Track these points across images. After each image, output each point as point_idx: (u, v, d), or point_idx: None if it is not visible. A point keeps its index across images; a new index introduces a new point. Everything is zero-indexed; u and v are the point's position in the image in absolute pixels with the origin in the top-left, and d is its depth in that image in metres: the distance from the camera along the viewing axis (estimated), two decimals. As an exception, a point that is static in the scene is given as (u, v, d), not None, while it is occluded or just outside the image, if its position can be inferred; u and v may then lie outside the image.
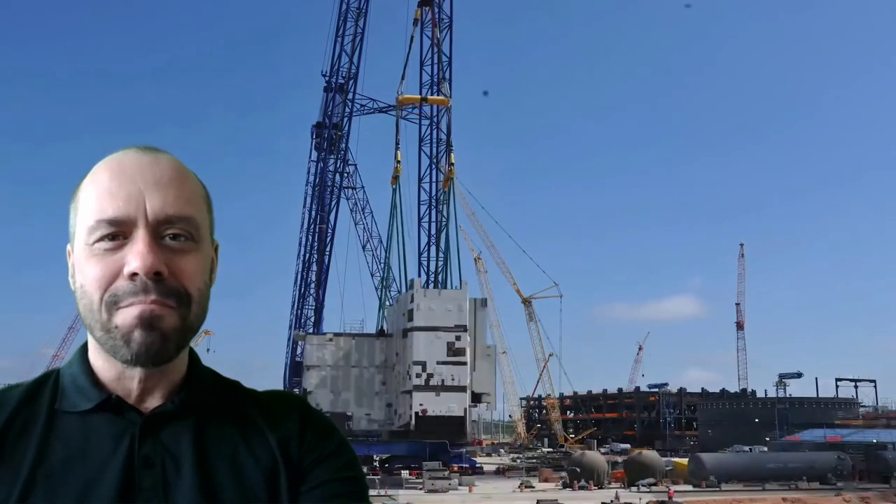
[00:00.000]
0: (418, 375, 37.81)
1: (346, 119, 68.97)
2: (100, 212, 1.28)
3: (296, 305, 79.39)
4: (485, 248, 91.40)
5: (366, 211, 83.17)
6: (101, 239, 1.28)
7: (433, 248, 47.01)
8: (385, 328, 41.25)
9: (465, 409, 38.66)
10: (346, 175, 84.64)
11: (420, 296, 38.24)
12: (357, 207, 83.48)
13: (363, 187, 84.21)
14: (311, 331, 79.91)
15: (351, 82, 68.70)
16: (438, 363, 37.98)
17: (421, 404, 37.89)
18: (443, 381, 38.00)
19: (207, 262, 1.36)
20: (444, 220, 45.09)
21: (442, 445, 72.26)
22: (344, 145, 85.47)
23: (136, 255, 1.25)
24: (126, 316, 1.25)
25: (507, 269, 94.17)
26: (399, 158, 48.06)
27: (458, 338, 38.29)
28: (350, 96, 68.57)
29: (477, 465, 70.62)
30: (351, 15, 68.37)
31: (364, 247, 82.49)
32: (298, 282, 78.95)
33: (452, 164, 47.01)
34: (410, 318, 38.10)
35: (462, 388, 38.56)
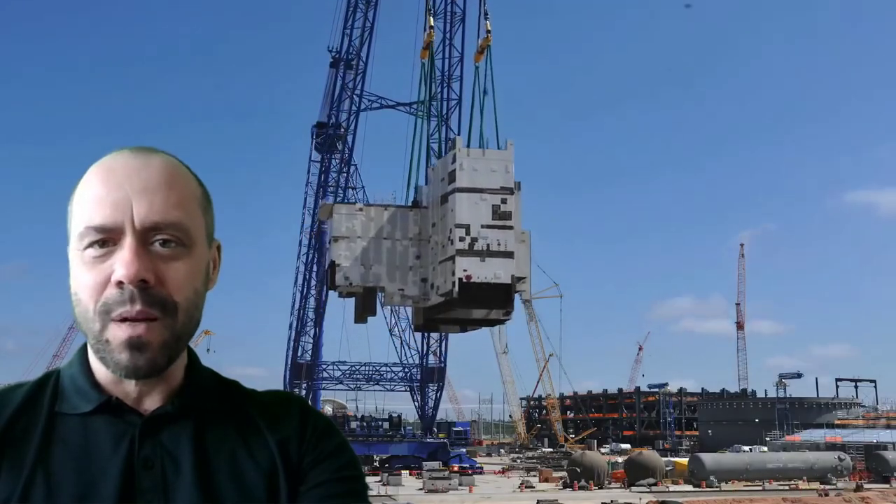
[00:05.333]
0: (461, 239, 34.99)
1: (353, 116, 67.58)
2: (88, 219, 1.29)
3: (296, 306, 78.72)
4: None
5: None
6: (90, 245, 1.28)
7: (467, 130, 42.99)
8: (419, 200, 39.05)
9: (513, 277, 35.60)
10: (347, 175, 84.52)
11: (462, 155, 35.79)
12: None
13: (363, 187, 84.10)
14: (311, 330, 79.47)
15: (359, 78, 67.17)
16: (483, 227, 35.40)
17: (465, 270, 34.79)
18: (488, 245, 35.27)
19: (201, 267, 1.36)
20: (481, 93, 41.63)
21: (442, 445, 72.19)
22: (343, 145, 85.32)
23: (122, 264, 1.26)
24: (115, 334, 1.26)
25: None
26: (432, 24, 43.62)
27: (504, 201, 35.77)
28: (358, 92, 67.11)
29: (477, 466, 70.75)
30: (360, 7, 66.66)
31: None
32: (300, 282, 77.89)
33: (489, 31, 41.67)
34: (452, 180, 35.59)
35: (509, 255, 35.56)
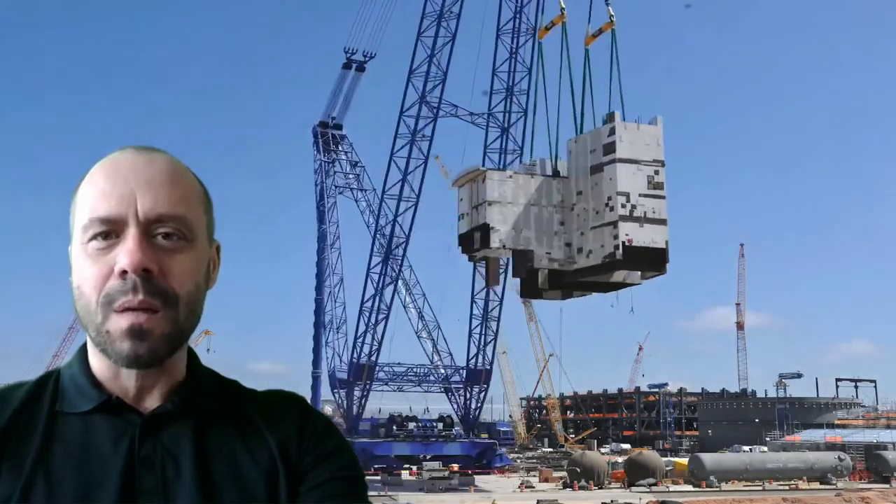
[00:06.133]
0: (623, 206, 37.60)
1: (432, 123, 66.84)
2: (93, 211, 1.30)
3: (368, 307, 73.63)
4: None
5: (378, 214, 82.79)
6: (94, 237, 1.29)
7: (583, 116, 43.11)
8: (559, 170, 41.27)
9: (666, 243, 38.39)
10: (353, 176, 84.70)
11: (621, 128, 38.39)
12: (368, 209, 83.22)
13: (374, 189, 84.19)
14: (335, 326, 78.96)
15: (438, 87, 66.04)
16: (640, 195, 38.05)
17: (627, 234, 37.44)
18: (645, 213, 38.03)
19: (202, 263, 1.37)
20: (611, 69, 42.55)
21: (491, 446, 72.85)
22: (346, 146, 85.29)
23: (125, 253, 1.27)
24: (117, 324, 1.27)
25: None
26: (563, 5, 43.90)
27: (656, 172, 38.64)
28: (437, 101, 66.26)
29: (512, 463, 71.44)
30: (444, 18, 64.49)
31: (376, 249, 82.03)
32: (378, 282, 73.84)
33: (612, 16, 43.34)
34: (610, 151, 38.18)
35: (663, 221, 38.34)
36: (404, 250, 69.56)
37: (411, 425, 72.53)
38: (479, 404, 76.90)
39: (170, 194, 1.32)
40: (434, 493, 51.36)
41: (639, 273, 39.66)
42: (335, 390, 76.58)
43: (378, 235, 70.50)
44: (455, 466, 65.60)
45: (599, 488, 54.06)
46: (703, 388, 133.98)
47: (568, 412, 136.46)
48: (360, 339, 71.54)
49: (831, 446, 70.78)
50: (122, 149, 1.37)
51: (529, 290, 42.17)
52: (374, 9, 78.87)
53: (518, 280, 42.37)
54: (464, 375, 75.86)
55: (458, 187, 41.97)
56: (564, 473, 59.81)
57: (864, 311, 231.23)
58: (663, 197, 38.49)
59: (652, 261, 38.38)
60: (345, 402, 74.16)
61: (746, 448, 76.08)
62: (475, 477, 59.82)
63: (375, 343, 71.07)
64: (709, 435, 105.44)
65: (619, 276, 39.79)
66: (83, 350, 1.38)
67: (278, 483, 1.35)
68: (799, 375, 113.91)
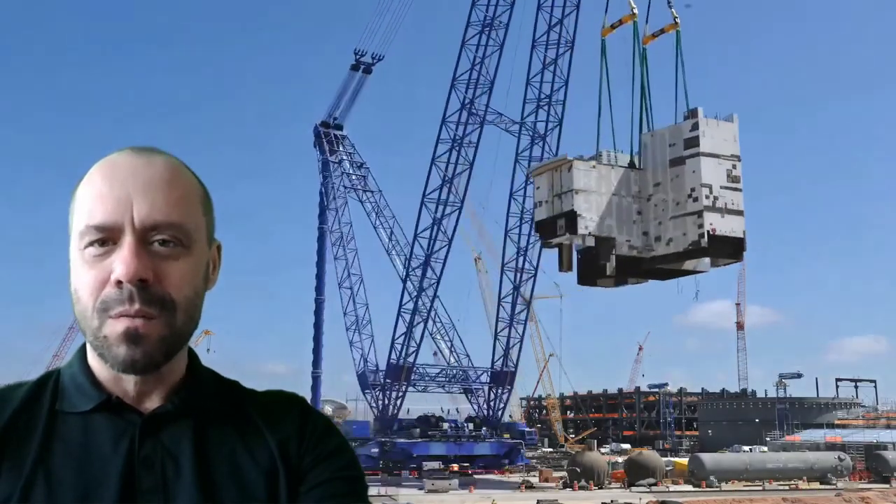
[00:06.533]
0: (706, 197, 40.32)
1: (478, 128, 67.01)
2: (89, 217, 1.29)
3: (409, 307, 73.45)
4: (484, 249, 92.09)
5: (385, 214, 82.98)
6: (90, 244, 1.29)
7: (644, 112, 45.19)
8: (636, 162, 43.60)
9: (744, 232, 41.24)
10: (359, 177, 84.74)
11: (704, 124, 41.14)
12: (377, 210, 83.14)
13: (380, 191, 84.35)
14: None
15: (484, 94, 66.23)
16: (721, 187, 40.83)
17: (711, 223, 40.08)
18: (725, 204, 40.84)
19: (200, 267, 1.36)
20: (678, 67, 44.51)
21: (516, 446, 73.96)
22: (345, 146, 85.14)
23: (121, 262, 1.26)
24: (113, 329, 1.27)
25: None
26: (633, 5, 45.85)
27: (734, 166, 41.57)
28: (483, 108, 66.30)
29: (529, 462, 72.20)
30: (493, 28, 64.97)
31: (388, 251, 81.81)
32: (417, 283, 73.46)
33: (676, 18, 45.37)
34: (693, 145, 40.76)
35: (741, 213, 41.18)
36: (446, 255, 70.57)
37: (445, 426, 73.53)
38: (502, 405, 77.88)
39: (167, 199, 1.31)
40: (434, 493, 51.36)
41: (708, 261, 42.16)
42: (366, 391, 77.10)
43: (415, 242, 71.18)
44: (455, 466, 65.66)
45: (599, 488, 54.07)
46: (703, 388, 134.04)
47: (568, 412, 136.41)
48: (404, 341, 72.25)
49: (831, 446, 70.77)
50: (120, 150, 1.36)
51: (585, 278, 43.98)
52: (387, 11, 78.86)
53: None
54: (488, 377, 76.82)
55: (533, 177, 44.17)
56: (564, 473, 59.82)
57: (864, 310, 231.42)
58: (740, 189, 41.30)
59: (732, 249, 41.05)
60: (380, 403, 74.88)
61: (746, 448, 76.08)
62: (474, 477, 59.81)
63: (413, 344, 72.14)
64: (709, 435, 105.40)
65: (689, 264, 42.29)
66: (83, 350, 1.38)
67: (278, 483, 1.35)
68: (799, 375, 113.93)
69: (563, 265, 44.30)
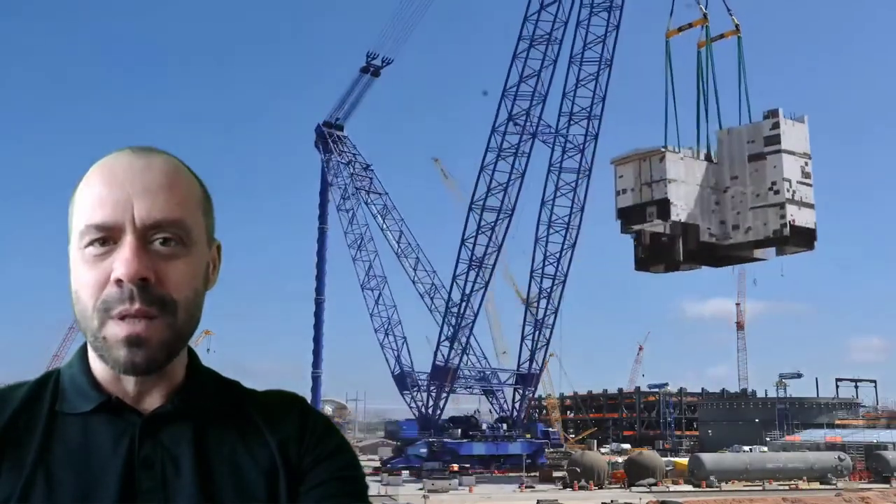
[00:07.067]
0: (787, 190, 44.19)
1: (531, 140, 68.34)
2: (89, 217, 1.29)
3: (456, 310, 74.21)
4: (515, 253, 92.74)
5: (393, 215, 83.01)
6: (90, 244, 1.28)
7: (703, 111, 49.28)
8: (712, 156, 47.10)
9: (815, 224, 45.40)
10: (366, 178, 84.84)
11: (784, 124, 44.96)
12: (384, 212, 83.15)
13: (387, 193, 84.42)
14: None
15: (539, 106, 67.48)
16: (797, 182, 44.74)
17: (791, 215, 44.05)
18: (801, 198, 44.85)
19: (201, 267, 1.36)
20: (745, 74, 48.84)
21: (542, 445, 75.99)
22: (348, 148, 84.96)
23: (121, 262, 1.26)
24: (114, 331, 1.26)
25: (507, 268, 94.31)
26: (705, 11, 48.96)
27: (806, 163, 45.46)
28: (536, 121, 67.67)
29: (547, 462, 73.31)
30: (552, 41, 66.11)
31: (398, 254, 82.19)
32: (466, 286, 74.42)
33: (738, 25, 48.54)
34: (774, 143, 44.55)
35: (811, 206, 45.32)
36: (495, 260, 72.06)
37: (484, 426, 75.47)
38: (525, 405, 79.86)
39: (167, 199, 1.31)
40: (434, 493, 51.35)
41: (773, 250, 45.64)
42: (404, 392, 78.04)
43: (463, 247, 72.11)
44: (455, 466, 65.67)
45: (599, 488, 54.08)
46: (703, 389, 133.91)
47: (568, 412, 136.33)
48: (455, 342, 73.55)
49: (831, 446, 70.77)
50: (120, 150, 1.36)
51: (645, 263, 46.89)
52: (401, 16, 79.42)
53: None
54: (513, 378, 78.40)
55: (616, 166, 46.67)
56: (564, 473, 59.81)
57: (866, 311, 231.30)
58: (811, 185, 45.18)
59: (806, 239, 44.74)
60: (418, 403, 76.41)
61: (746, 448, 76.06)
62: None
63: (459, 347, 73.64)
64: (709, 435, 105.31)
65: (758, 252, 45.94)
66: (83, 350, 1.38)
67: (278, 483, 1.34)
68: (799, 375, 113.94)
69: (644, 252, 47.02)
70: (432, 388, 74.93)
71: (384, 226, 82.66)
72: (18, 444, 1.27)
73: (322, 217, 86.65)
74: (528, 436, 77.48)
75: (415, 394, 76.49)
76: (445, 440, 71.04)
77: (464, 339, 73.73)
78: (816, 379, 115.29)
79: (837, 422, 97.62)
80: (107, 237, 1.28)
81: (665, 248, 45.39)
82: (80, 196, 1.32)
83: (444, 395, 74.75)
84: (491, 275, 71.79)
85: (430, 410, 74.44)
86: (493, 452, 72.12)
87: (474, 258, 70.84)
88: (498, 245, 70.43)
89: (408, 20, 79.41)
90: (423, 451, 69.54)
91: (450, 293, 74.09)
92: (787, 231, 43.69)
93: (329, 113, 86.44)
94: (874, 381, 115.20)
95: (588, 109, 66.17)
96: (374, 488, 46.98)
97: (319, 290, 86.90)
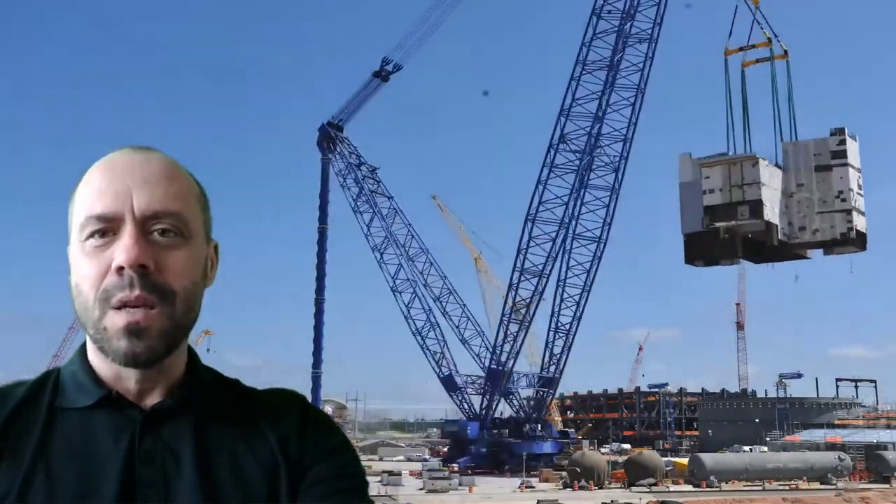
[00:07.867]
0: (852, 199, 49.56)
1: (589, 157, 70.76)
2: (89, 209, 1.30)
3: (515, 315, 77.08)
4: (485, 248, 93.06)
5: (398, 219, 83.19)
6: (91, 235, 1.30)
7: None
8: (778, 164, 51.69)
9: (867, 228, 50.75)
10: (378, 182, 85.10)
11: (850, 141, 50.38)
12: (391, 215, 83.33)
13: (392, 196, 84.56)
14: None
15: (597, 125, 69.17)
16: (856, 193, 50.26)
17: (855, 220, 49.30)
18: (859, 206, 50.24)
19: (199, 260, 1.37)
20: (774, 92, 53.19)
21: (564, 445, 78.49)
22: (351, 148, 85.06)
23: (121, 249, 1.28)
24: (114, 321, 1.27)
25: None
26: (769, 35, 53.82)
27: (860, 177, 50.98)
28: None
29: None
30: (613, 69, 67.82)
31: (407, 258, 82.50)
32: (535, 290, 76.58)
33: (786, 50, 53.70)
34: (841, 156, 49.71)
35: (863, 213, 50.66)
36: (550, 270, 74.26)
37: (526, 427, 78.00)
38: (545, 407, 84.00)
39: (166, 190, 1.33)
40: (434, 493, 51.36)
41: (821, 250, 51.03)
42: (452, 393, 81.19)
43: (517, 256, 74.51)
44: (455, 467, 65.66)
45: (599, 488, 54.08)
46: (703, 388, 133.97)
47: (568, 412, 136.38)
48: (512, 348, 77.08)
49: (831, 446, 70.74)
50: (118, 149, 1.38)
51: (690, 257, 51.20)
52: (417, 23, 79.97)
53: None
54: (536, 381, 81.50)
55: (703, 167, 50.89)
56: (564, 473, 59.80)
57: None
58: (863, 195, 50.83)
59: (861, 241, 50.24)
60: (465, 405, 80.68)
61: (746, 448, 76.06)
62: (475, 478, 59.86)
63: (514, 352, 77.39)
64: (709, 435, 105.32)
65: (810, 252, 51.58)
66: (83, 347, 1.39)
67: (279, 480, 1.35)
68: (799, 375, 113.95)
69: (736, 250, 50.90)
70: (486, 389, 78.73)
71: (392, 229, 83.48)
72: (18, 440, 1.27)
73: (322, 217, 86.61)
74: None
75: (466, 395, 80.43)
76: (507, 440, 75.08)
77: (517, 345, 77.43)
78: (816, 379, 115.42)
79: (837, 422, 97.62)
80: (107, 229, 1.29)
81: (726, 243, 49.93)
82: (79, 193, 1.34)
83: (498, 397, 78.63)
84: (546, 284, 74.18)
85: (484, 411, 78.37)
86: (532, 451, 74.26)
87: (533, 268, 73.79)
88: (554, 256, 73.24)
89: (427, 29, 79.79)
90: (484, 450, 73.24)
91: (505, 299, 76.99)
92: (853, 234, 48.88)
93: (333, 115, 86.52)
94: (874, 381, 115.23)
95: (623, 131, 68.90)
96: (374, 488, 46.99)
97: (319, 290, 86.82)
